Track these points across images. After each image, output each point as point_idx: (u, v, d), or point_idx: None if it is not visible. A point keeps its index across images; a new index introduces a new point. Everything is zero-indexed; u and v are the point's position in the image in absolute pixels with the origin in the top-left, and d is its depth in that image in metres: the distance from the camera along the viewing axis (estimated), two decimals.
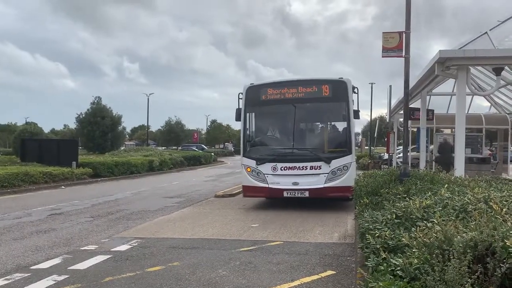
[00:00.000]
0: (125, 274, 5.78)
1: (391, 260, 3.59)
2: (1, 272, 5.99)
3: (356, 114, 11.38)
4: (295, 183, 11.05)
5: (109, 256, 6.70)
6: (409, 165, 12.73)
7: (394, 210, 5.04)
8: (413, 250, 3.52)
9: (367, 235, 4.72)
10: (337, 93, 11.28)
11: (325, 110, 12.22)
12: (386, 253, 3.87)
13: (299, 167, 11.10)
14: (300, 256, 6.59)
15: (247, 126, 12.08)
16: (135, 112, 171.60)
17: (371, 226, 5.00)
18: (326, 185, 10.92)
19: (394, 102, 23.72)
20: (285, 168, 11.17)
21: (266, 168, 11.31)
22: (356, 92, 11.51)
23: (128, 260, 6.49)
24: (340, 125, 12.26)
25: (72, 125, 68.62)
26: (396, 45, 9.16)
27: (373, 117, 53.26)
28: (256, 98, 11.86)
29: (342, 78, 11.30)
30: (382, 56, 9.35)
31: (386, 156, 28.12)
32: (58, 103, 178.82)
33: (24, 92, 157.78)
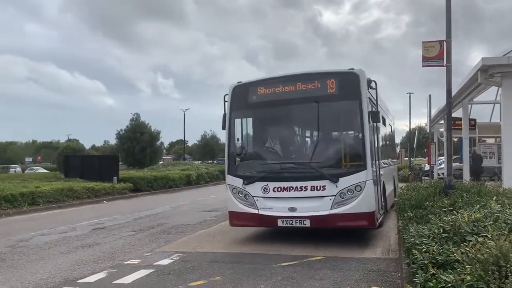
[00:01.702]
0: None
1: (441, 276, 3.46)
2: (51, 286, 6.18)
3: (375, 117, 8.44)
4: (292, 209, 8.28)
5: (152, 270, 6.79)
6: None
7: (441, 224, 4.89)
8: (465, 266, 3.39)
9: (413, 250, 4.59)
10: (347, 89, 8.45)
11: (331, 113, 9.02)
12: (435, 269, 3.74)
13: (296, 187, 8.30)
14: (342, 272, 6.47)
15: (233, 136, 9.39)
16: (171, 127, 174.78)
17: (417, 241, 4.87)
18: (332, 211, 8.01)
19: (434, 111, 23.15)
20: (279, 189, 8.42)
21: (255, 189, 8.62)
22: (374, 87, 8.65)
23: (170, 274, 6.56)
24: (352, 132, 9.24)
25: (112, 141, 70.76)
26: (437, 54, 8.95)
27: (411, 127, 51.93)
28: (244, 100, 9.23)
29: (353, 69, 8.43)
30: (423, 66, 9.17)
31: (426, 167, 27.39)
32: (98, 120, 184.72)
33: (65, 110, 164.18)
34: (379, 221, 8.63)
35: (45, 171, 52.38)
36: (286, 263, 7.04)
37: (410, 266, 4.59)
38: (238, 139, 9.53)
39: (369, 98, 8.48)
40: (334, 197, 8.06)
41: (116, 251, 8.50)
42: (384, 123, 12.31)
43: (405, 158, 36.98)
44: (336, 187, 8.06)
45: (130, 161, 56.17)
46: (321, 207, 8.11)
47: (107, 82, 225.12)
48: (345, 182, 8.03)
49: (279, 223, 8.37)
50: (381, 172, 9.63)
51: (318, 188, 8.18)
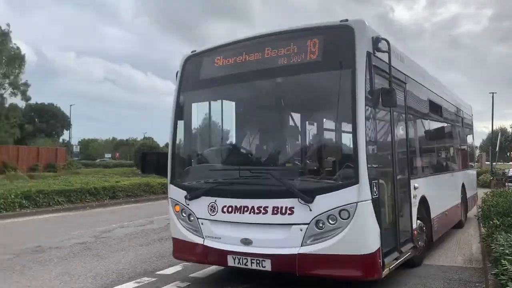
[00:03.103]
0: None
1: None
2: (132, 275, 6.54)
3: (387, 98, 5.27)
4: (246, 241, 5.33)
5: None
6: None
7: None
8: None
9: (502, 261, 4.33)
10: (335, 53, 5.33)
11: (309, 92, 6.02)
12: None
13: (253, 208, 5.33)
14: (420, 279, 6.20)
15: (181, 128, 6.44)
16: None
17: (507, 251, 4.59)
18: (304, 249, 5.02)
19: None
20: (230, 209, 5.50)
21: (200, 206, 5.74)
22: (386, 50, 5.37)
23: None
24: (339, 122, 5.54)
25: None
26: None
27: (492, 129, 48.67)
28: (197, 77, 6.37)
29: (346, 21, 5.26)
30: None
31: (510, 172, 25.60)
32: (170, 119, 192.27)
33: (140, 109, 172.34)
34: (396, 264, 5.58)
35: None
36: None
37: (498, 277, 4.31)
38: (187, 133, 6.62)
39: (374, 68, 5.33)
40: (306, 226, 4.99)
41: None
42: (436, 112, 8.82)
43: (487, 163, 34.76)
44: (310, 210, 4.95)
45: None
46: (287, 242, 5.08)
47: None
48: (324, 203, 4.93)
49: (230, 261, 5.43)
50: (426, 183, 7.12)
51: (283, 211, 5.12)
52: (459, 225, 10.20)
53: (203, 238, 5.70)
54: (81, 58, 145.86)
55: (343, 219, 4.89)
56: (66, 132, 68.58)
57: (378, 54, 5.42)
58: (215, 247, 5.56)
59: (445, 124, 9.80)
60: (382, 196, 5.43)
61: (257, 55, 5.75)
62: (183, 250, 6.04)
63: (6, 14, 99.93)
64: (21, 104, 44.28)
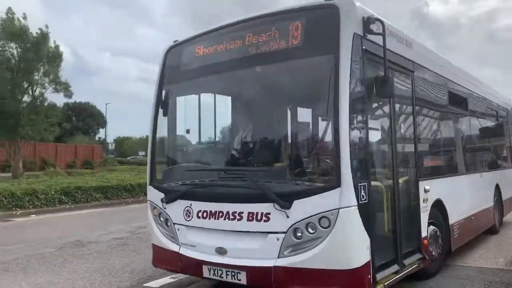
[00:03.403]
0: None
1: None
2: (168, 272, 6.63)
3: (382, 88, 4.58)
4: (221, 251, 4.81)
5: None
6: None
7: None
8: None
9: None
10: (318, 37, 4.66)
11: (290, 81, 5.22)
12: None
13: (228, 213, 4.81)
14: (459, 281, 6.03)
15: (162, 125, 5.93)
16: None
17: None
18: (281, 262, 4.44)
19: None
20: (205, 215, 5.00)
21: (176, 211, 5.27)
22: (380, 32, 4.63)
23: None
24: (322, 116, 5.20)
25: None
26: None
27: None
28: (178, 69, 5.85)
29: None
30: None
31: None
32: None
33: None
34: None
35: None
36: None
37: None
38: (168, 130, 6.05)
39: (366, 53, 4.59)
40: (284, 235, 4.41)
41: None
42: (460, 104, 7.88)
43: None
44: (287, 217, 4.38)
45: None
46: (263, 253, 4.52)
47: None
48: (303, 209, 4.34)
49: (205, 272, 4.90)
50: (441, 185, 6.35)
51: (259, 218, 4.56)
52: (492, 231, 9.05)
53: (179, 245, 5.19)
54: (116, 58, 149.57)
55: (323, 227, 4.25)
56: (102, 130, 70.44)
57: (372, 37, 4.64)
58: (190, 256, 5.02)
59: (473, 119, 8.64)
60: (376, 201, 4.78)
61: (238, 42, 5.14)
62: (161, 258, 5.52)
63: (46, 16, 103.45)
64: (60, 102, 45.71)
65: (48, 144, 39.66)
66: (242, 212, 4.68)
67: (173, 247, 5.24)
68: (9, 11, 26.17)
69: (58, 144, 42.99)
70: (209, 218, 4.94)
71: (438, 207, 6.16)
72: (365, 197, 4.38)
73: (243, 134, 5.89)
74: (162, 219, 5.47)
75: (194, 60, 5.60)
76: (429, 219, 5.82)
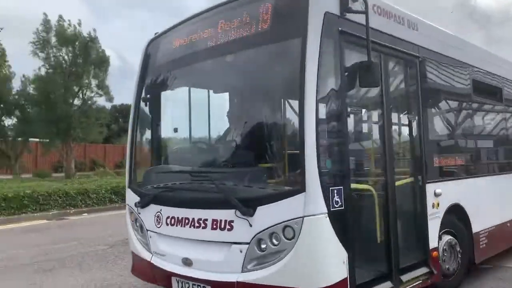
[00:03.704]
0: None
1: None
2: None
3: (364, 76, 3.89)
4: (187, 262, 4.32)
5: None
6: None
7: None
8: None
9: None
10: (287, 19, 4.04)
11: (258, 71, 4.64)
12: None
13: (193, 220, 4.29)
14: (507, 283, 5.87)
15: (143, 122, 5.53)
16: None
17: None
18: (244, 277, 3.88)
19: None
20: (172, 221, 4.52)
21: (149, 216, 4.83)
22: (363, 10, 3.92)
23: None
24: (291, 109, 4.76)
25: None
26: None
27: None
28: (156, 63, 5.41)
29: None
30: None
31: None
32: None
33: None
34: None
35: None
36: None
37: None
38: (146, 128, 5.62)
39: (344, 35, 3.98)
40: (247, 246, 3.86)
41: None
42: (489, 94, 6.85)
43: None
44: (250, 226, 3.82)
45: None
46: (227, 266, 3.99)
47: None
48: (267, 217, 3.76)
49: (174, 284, 4.47)
50: (461, 188, 5.61)
51: (222, 226, 4.02)
52: None
53: (151, 254, 4.78)
54: None
55: (287, 239, 3.66)
56: None
57: (355, 17, 3.99)
58: (159, 266, 4.61)
59: (508, 110, 7.42)
60: (359, 207, 4.18)
61: (211, 31, 4.60)
62: (137, 267, 5.13)
63: (92, 22, 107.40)
64: (107, 105, 47.45)
65: (97, 145, 41.29)
66: (206, 220, 4.15)
67: (146, 255, 4.83)
68: (60, 19, 27.57)
69: (106, 145, 44.64)
70: (176, 226, 4.45)
71: (457, 213, 5.46)
72: (340, 203, 3.73)
73: (210, 132, 5.53)
74: (137, 224, 5.02)
75: (169, 53, 5.15)
76: (442, 228, 5.12)
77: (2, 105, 25.29)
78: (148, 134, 5.62)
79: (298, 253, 3.61)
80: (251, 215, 3.79)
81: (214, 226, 4.07)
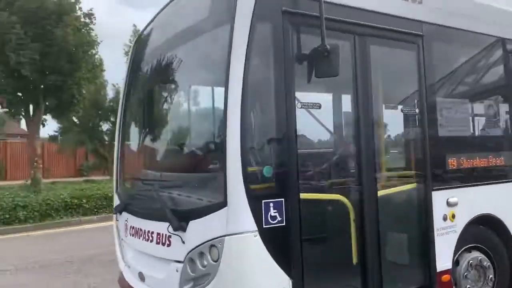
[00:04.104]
0: None
1: None
2: None
3: (320, 66, 3.20)
4: (141, 276, 3.88)
5: None
6: None
7: None
8: None
9: None
10: (219, 6, 3.57)
11: (193, 65, 4.11)
12: None
13: (144, 232, 3.80)
14: None
15: (130, 121, 5.07)
16: None
17: None
18: None
19: None
20: (132, 231, 4.08)
21: (121, 224, 4.43)
22: None
23: None
24: (216, 107, 3.89)
25: None
26: None
27: None
28: (135, 59, 4.91)
29: None
30: None
31: None
32: None
33: None
34: None
35: None
36: None
37: None
38: (132, 128, 5.15)
39: (289, 16, 3.24)
40: (182, 266, 3.31)
41: None
42: None
43: None
44: (183, 242, 3.27)
45: None
46: (167, 284, 3.48)
47: None
48: (196, 233, 3.21)
49: None
50: (491, 195, 4.33)
51: (163, 241, 3.52)
52: None
53: (124, 263, 4.34)
54: None
55: (213, 260, 3.07)
56: None
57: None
58: (125, 277, 4.19)
59: None
60: (316, 222, 3.44)
61: (168, 25, 4.27)
62: (119, 276, 4.48)
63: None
64: None
65: None
66: (152, 232, 3.64)
67: (121, 265, 4.39)
68: (134, 27, 28.44)
69: None
70: (134, 236, 3.97)
71: (490, 225, 4.30)
72: (278, 218, 3.05)
73: (158, 133, 4.89)
74: (117, 231, 4.56)
75: (142, 50, 4.78)
76: (463, 244, 4.10)
77: (100, 112, 26.67)
78: (129, 135, 5.06)
79: (222, 278, 3.02)
80: (184, 229, 3.22)
81: (158, 240, 3.55)
